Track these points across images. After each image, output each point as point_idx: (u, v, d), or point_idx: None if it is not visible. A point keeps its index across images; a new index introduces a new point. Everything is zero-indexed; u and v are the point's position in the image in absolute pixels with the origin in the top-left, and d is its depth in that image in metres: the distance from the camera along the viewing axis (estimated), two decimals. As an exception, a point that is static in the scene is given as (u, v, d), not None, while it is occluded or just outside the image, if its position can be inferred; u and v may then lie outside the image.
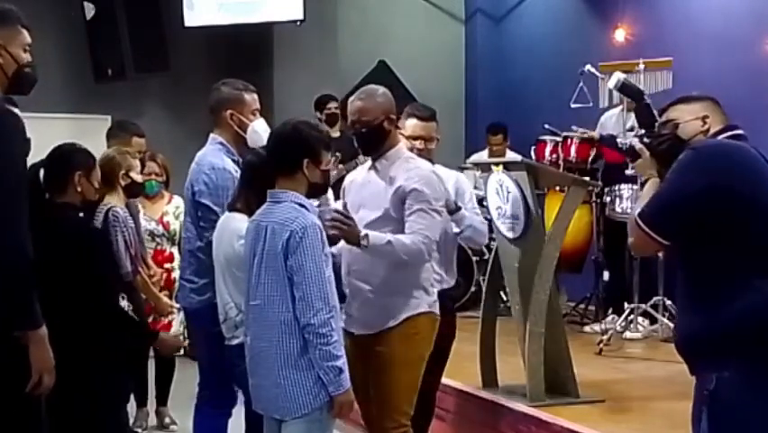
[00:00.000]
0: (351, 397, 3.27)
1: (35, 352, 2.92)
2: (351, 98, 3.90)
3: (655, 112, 3.51)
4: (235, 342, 3.86)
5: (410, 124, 4.41)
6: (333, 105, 8.33)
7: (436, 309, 3.93)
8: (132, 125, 5.89)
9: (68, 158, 3.77)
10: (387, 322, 3.80)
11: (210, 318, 4.00)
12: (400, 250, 3.67)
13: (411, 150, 4.22)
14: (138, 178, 4.95)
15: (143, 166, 5.68)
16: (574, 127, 7.17)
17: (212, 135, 4.34)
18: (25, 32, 3.09)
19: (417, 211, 3.73)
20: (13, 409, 2.94)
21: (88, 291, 3.55)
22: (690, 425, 2.93)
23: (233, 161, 4.23)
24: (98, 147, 5.29)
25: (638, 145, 3.23)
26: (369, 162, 3.97)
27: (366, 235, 3.62)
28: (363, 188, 3.92)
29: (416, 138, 4.37)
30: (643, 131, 3.38)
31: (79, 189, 3.73)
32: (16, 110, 3.07)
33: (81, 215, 3.88)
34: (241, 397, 4.12)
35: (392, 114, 3.88)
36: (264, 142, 4.10)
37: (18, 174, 2.96)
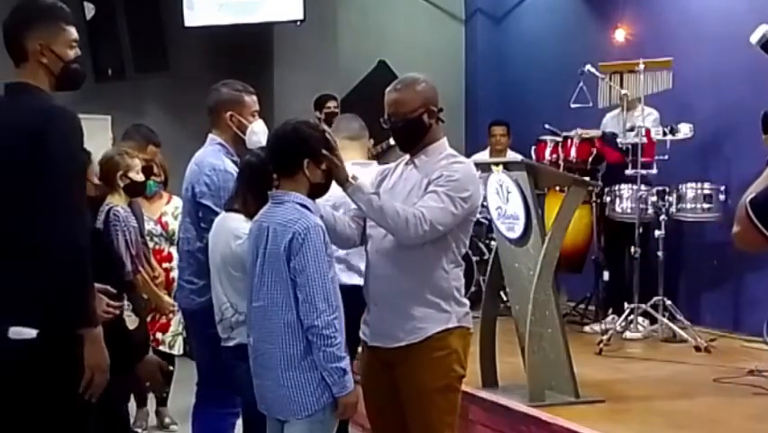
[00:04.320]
0: (355, 398, 3.25)
1: (90, 350, 2.93)
2: (388, 89, 3.53)
3: None
4: (231, 343, 3.85)
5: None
6: (332, 104, 8.39)
7: (467, 322, 3.52)
8: (149, 132, 5.90)
9: None
10: (410, 335, 3.42)
11: (210, 319, 3.99)
12: (387, 209, 3.30)
13: None
14: (137, 177, 4.95)
15: (151, 171, 5.69)
16: (578, 130, 7.17)
17: (210, 136, 4.34)
18: (70, 29, 3.08)
19: (431, 192, 3.36)
20: (65, 409, 2.95)
21: None
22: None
23: (233, 161, 4.23)
24: (98, 147, 5.30)
25: None
26: (406, 157, 3.59)
27: (355, 177, 3.35)
28: (397, 184, 3.55)
29: None
30: None
31: None
32: None
33: None
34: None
35: (433, 105, 3.49)
36: (263, 143, 4.09)
37: (75, 171, 2.98)
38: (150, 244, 5.83)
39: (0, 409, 2.98)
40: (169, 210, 5.98)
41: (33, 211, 2.87)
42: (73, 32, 3.09)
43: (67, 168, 2.92)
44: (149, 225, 5.89)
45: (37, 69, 3.03)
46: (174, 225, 5.84)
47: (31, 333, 2.88)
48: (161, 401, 6.08)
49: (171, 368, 3.57)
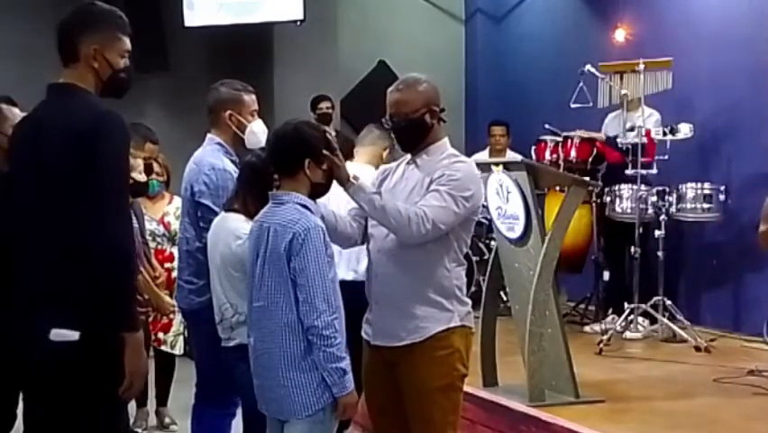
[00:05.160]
0: (355, 398, 3.25)
1: (130, 355, 2.93)
2: (389, 89, 3.55)
3: None
4: (232, 344, 3.85)
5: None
6: (324, 105, 8.44)
7: (469, 321, 3.52)
8: (146, 130, 5.89)
9: None
10: (412, 334, 3.42)
11: (210, 319, 3.99)
12: (389, 208, 3.31)
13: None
14: (140, 178, 4.96)
15: (151, 170, 5.69)
16: (580, 133, 7.18)
17: (209, 136, 4.32)
18: (125, 39, 3.14)
19: (433, 191, 3.36)
20: (101, 410, 2.97)
21: None
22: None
23: (232, 161, 4.22)
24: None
25: None
26: (408, 156, 3.59)
27: (356, 177, 3.38)
28: (398, 183, 3.55)
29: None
30: None
31: None
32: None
33: None
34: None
35: (435, 105, 3.50)
36: (262, 143, 4.09)
37: (121, 175, 3.00)
38: (153, 245, 5.83)
39: (39, 408, 3.00)
40: (171, 210, 5.98)
41: (80, 213, 2.88)
42: (127, 42, 3.16)
43: (116, 171, 2.94)
44: (151, 226, 5.89)
45: (86, 73, 3.06)
46: (176, 226, 5.82)
47: (73, 335, 2.88)
48: (161, 401, 6.07)
49: None
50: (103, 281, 2.86)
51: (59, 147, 2.91)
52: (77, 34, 3.06)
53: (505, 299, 6.15)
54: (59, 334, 2.88)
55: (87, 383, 2.91)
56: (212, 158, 4.21)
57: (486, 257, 7.43)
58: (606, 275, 7.26)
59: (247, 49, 9.39)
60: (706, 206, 6.74)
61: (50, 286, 2.93)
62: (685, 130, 6.65)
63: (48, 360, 2.92)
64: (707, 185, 6.77)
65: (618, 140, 6.99)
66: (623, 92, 7.00)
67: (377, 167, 4.91)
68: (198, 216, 4.18)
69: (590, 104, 7.19)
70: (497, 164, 4.99)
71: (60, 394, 2.94)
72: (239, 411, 4.31)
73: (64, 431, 2.98)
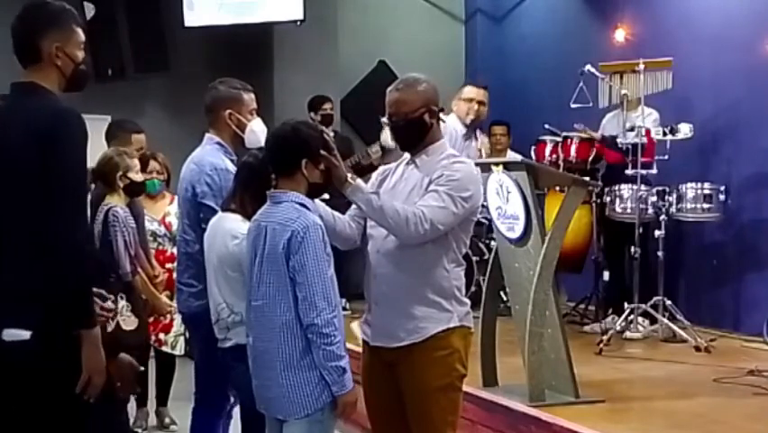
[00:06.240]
0: (355, 397, 3.26)
1: (87, 352, 2.94)
2: (389, 88, 3.55)
3: None
4: (228, 344, 3.84)
5: (467, 90, 6.75)
6: (327, 105, 8.40)
7: (468, 321, 3.52)
8: (129, 123, 5.90)
9: None
10: (411, 335, 3.42)
11: (209, 322, 3.97)
12: (387, 208, 3.31)
13: (467, 112, 6.66)
14: (137, 178, 4.95)
15: (146, 164, 5.68)
16: (577, 125, 7.17)
17: (208, 135, 4.28)
18: (79, 31, 3.13)
19: (432, 192, 3.36)
20: (63, 409, 2.97)
21: None
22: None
23: (231, 161, 4.19)
24: (98, 147, 5.30)
25: None
26: (407, 156, 3.60)
27: (354, 177, 3.38)
28: (398, 184, 3.55)
29: (470, 101, 6.67)
30: None
31: None
32: None
33: None
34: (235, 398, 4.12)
35: (434, 105, 3.50)
36: (262, 142, 4.08)
37: (81, 174, 3.02)
38: (154, 245, 5.83)
39: (5, 409, 2.99)
40: (172, 210, 5.98)
41: (37, 211, 2.89)
42: (81, 34, 3.13)
43: (75, 170, 2.95)
44: (152, 226, 5.88)
45: (50, 71, 3.06)
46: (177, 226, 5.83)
47: (24, 334, 2.89)
48: (161, 401, 6.08)
49: (143, 368, 3.57)
50: (61, 279, 2.87)
51: (19, 146, 2.92)
52: (38, 34, 3.05)
53: (505, 299, 6.15)
54: (11, 334, 2.90)
55: (46, 382, 2.91)
56: (212, 158, 4.18)
57: (486, 257, 7.42)
58: (606, 275, 7.26)
59: (247, 49, 9.39)
60: (706, 206, 6.73)
61: (5, 285, 2.94)
62: (685, 130, 6.65)
63: (2, 360, 2.92)
64: (707, 185, 6.77)
65: (618, 140, 6.98)
66: (623, 92, 6.99)
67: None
68: (200, 217, 4.14)
69: (590, 104, 7.18)
70: (497, 164, 4.99)
71: (21, 394, 2.94)
72: (232, 412, 4.32)
73: (29, 431, 2.98)
